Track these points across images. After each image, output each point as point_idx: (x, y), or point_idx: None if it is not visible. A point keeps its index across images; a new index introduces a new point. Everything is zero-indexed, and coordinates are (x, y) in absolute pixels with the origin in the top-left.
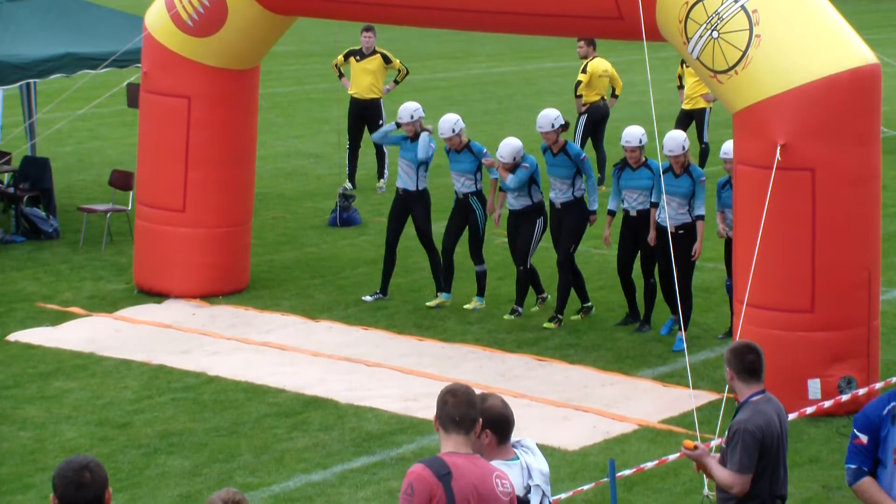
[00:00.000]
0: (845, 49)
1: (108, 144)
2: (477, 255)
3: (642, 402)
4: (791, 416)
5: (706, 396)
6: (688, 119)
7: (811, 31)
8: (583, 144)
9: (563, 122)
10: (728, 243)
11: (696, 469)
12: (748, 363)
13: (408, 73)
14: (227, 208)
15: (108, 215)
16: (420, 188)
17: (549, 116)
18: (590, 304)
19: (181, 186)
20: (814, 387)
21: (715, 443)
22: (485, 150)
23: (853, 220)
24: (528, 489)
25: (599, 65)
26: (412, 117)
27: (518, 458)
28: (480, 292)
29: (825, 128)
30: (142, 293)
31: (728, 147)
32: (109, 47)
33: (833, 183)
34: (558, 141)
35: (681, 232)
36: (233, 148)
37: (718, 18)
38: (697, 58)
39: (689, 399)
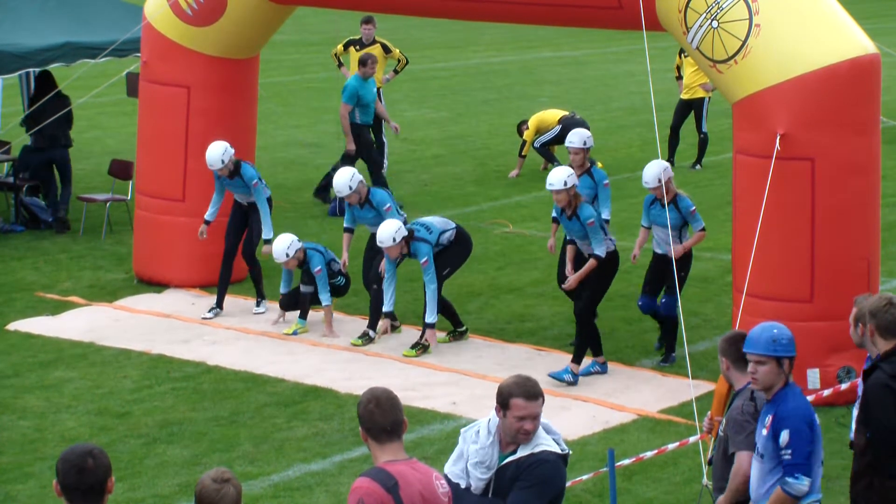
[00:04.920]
0: (845, 39)
1: (107, 134)
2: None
3: (641, 391)
4: None
5: (705, 386)
6: (686, 109)
7: (811, 21)
8: (542, 147)
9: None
10: (656, 262)
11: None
12: (743, 352)
13: (407, 62)
14: (227, 197)
15: (108, 205)
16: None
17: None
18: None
19: (181, 176)
20: (813, 376)
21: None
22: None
23: (852, 209)
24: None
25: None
26: (223, 162)
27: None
28: (303, 315)
29: (825, 117)
30: (141, 283)
31: (649, 176)
32: (109, 36)
33: (832, 173)
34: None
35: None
36: (232, 137)
37: (718, 8)
38: (697, 47)
39: (688, 389)
